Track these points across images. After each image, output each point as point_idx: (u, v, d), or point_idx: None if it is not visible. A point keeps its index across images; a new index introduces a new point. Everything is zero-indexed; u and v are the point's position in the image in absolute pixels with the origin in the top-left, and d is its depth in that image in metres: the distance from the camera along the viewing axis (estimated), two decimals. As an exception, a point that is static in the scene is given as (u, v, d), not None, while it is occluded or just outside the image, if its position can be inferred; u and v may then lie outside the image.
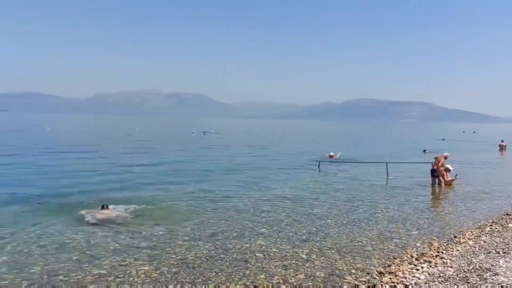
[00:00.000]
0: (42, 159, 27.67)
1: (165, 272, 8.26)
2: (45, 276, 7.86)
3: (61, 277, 7.86)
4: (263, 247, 10.02)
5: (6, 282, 7.57)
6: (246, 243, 10.27)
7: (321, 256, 9.42)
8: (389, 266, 8.78)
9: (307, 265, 8.85)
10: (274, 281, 7.89)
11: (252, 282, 7.85)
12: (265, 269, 8.52)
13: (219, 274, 8.22)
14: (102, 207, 12.93)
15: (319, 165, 26.02)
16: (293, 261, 9.04)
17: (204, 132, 76.89)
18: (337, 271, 8.53)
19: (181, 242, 10.25)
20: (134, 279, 7.85)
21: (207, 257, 9.17)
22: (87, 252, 9.37)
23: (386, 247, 10.21)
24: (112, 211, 12.85)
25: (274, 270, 8.50)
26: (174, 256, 9.22)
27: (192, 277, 8.03)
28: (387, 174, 22.53)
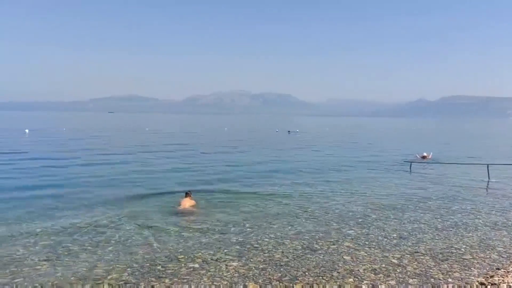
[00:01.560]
0: (148, 157, 30.08)
1: (253, 268, 8.49)
2: (147, 265, 8.55)
3: (159, 267, 8.48)
4: (351, 249, 9.81)
5: (113, 270, 8.36)
6: (333, 244, 10.14)
7: (414, 262, 8.96)
8: (492, 277, 8.06)
9: (398, 270, 8.48)
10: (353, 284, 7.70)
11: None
12: (353, 272, 8.35)
13: (306, 274, 8.23)
14: (186, 194, 14.14)
15: (410, 166, 24.68)
16: (383, 265, 8.72)
17: (289, 131, 77.25)
18: (432, 279, 8.05)
19: (268, 240, 10.45)
20: (223, 273, 8.19)
21: (294, 256, 9.23)
22: (181, 243, 9.99)
23: (488, 256, 9.39)
24: (195, 201, 14.08)
25: (363, 273, 8.28)
26: (261, 253, 9.43)
27: (279, 274, 8.15)
28: (488, 176, 20.61)
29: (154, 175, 21.12)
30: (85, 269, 8.32)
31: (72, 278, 7.84)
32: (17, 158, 27.17)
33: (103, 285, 7.54)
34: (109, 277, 7.90)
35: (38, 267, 8.39)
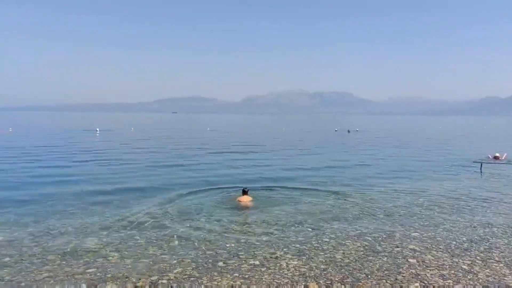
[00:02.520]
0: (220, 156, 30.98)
1: (314, 268, 8.41)
2: (210, 260, 8.77)
3: (220, 263, 8.66)
4: (417, 252, 9.41)
5: (178, 264, 8.67)
6: (397, 247, 9.77)
7: (486, 269, 8.40)
8: None
9: (469, 277, 8.00)
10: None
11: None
12: (419, 276, 7.99)
13: (369, 276, 8.01)
14: (243, 192, 14.45)
15: (481, 167, 23.19)
16: (452, 271, 8.26)
17: (348, 130, 75.65)
18: None
19: (328, 240, 10.31)
20: (284, 272, 8.19)
21: (356, 258, 9.02)
22: (242, 241, 10.14)
23: None
24: (252, 197, 14.48)
25: (430, 278, 7.90)
26: (322, 253, 9.32)
27: (341, 276, 8.00)
28: None
29: (214, 173, 21.62)
30: (151, 262, 8.69)
31: (142, 270, 8.24)
32: (89, 157, 29.04)
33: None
34: (174, 271, 8.19)
35: (110, 258, 8.91)
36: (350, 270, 8.31)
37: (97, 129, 66.62)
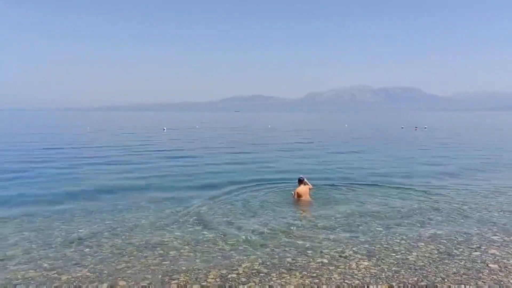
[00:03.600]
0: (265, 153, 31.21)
1: (385, 269, 8.14)
2: (277, 257, 8.83)
3: (288, 259, 8.68)
4: (497, 257, 8.79)
5: (246, 260, 8.81)
6: (476, 251, 9.18)
7: None
8: None
9: (561, 287, 7.31)
10: None
11: None
12: (502, 283, 7.45)
13: (446, 280, 7.60)
14: (299, 181, 14.29)
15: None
16: (541, 280, 7.60)
17: (416, 127, 72.31)
18: None
19: (399, 240, 9.94)
20: (354, 272, 8.02)
21: (430, 261, 8.60)
22: (308, 238, 10.08)
23: None
24: (308, 185, 14.47)
25: (516, 286, 7.33)
26: (393, 254, 9.00)
27: (415, 278, 7.68)
28: None
29: (277, 169, 21.65)
30: (220, 257, 8.91)
31: (212, 264, 8.48)
32: (156, 154, 30.42)
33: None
34: (243, 265, 8.35)
35: (182, 251, 9.27)
36: (424, 273, 7.95)
37: (164, 128, 69.61)
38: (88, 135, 52.89)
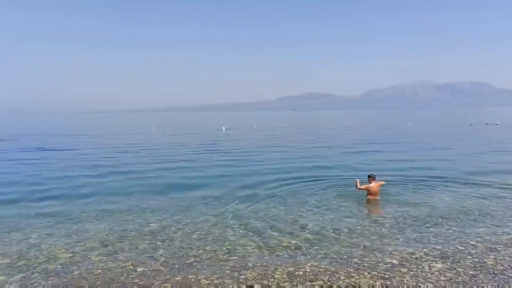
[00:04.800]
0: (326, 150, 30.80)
1: (461, 273, 7.72)
2: (344, 256, 8.69)
3: (356, 259, 8.50)
4: None
5: (312, 258, 8.75)
6: None
7: None
8: None
9: None
10: None
11: None
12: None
13: (530, 286, 7.06)
14: (369, 178, 13.87)
15: None
16: None
17: (486, 123, 67.80)
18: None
19: (474, 243, 9.39)
20: (427, 275, 7.68)
21: (511, 265, 8.03)
22: (375, 238, 9.83)
23: None
24: (380, 182, 14.02)
25: None
26: (469, 257, 8.51)
27: (495, 284, 7.20)
28: None
29: (342, 167, 21.27)
30: (286, 255, 8.92)
31: (278, 261, 8.52)
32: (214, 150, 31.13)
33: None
34: (309, 264, 8.30)
35: (247, 247, 9.38)
36: (505, 278, 7.44)
37: (223, 128, 71.04)
38: (153, 134, 55.31)
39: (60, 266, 8.41)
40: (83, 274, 8.01)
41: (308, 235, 10.16)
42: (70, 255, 9.05)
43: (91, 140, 46.74)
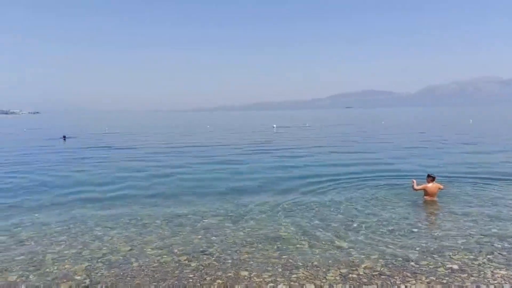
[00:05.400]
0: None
1: (529, 281, 7.22)
2: (399, 259, 8.41)
3: (412, 262, 8.20)
4: None
5: (366, 259, 8.56)
6: None
7: None
8: None
9: None
10: None
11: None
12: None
13: None
14: (429, 177, 13.28)
15: None
16: None
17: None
18: None
19: (545, 250, 8.72)
20: (490, 280, 7.26)
21: None
22: (434, 241, 9.44)
23: None
24: (439, 185, 13.43)
25: None
26: (538, 265, 7.93)
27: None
28: None
29: (400, 166, 20.59)
30: (339, 255, 8.79)
31: (330, 261, 8.42)
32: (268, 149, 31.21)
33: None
34: (363, 266, 8.13)
35: (299, 246, 9.37)
36: None
37: (274, 126, 71.13)
38: (209, 134, 56.62)
39: (121, 258, 8.87)
40: (142, 266, 8.38)
41: (362, 236, 9.95)
42: (129, 248, 9.50)
43: (153, 138, 48.68)
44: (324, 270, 8.01)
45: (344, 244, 9.41)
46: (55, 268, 8.34)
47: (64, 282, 7.70)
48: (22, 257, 9.00)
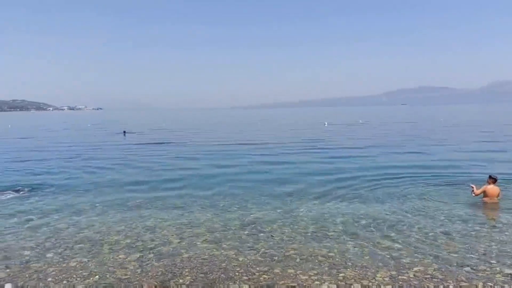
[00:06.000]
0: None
1: None
2: (454, 263, 8.02)
3: (468, 268, 7.80)
4: None
5: (419, 262, 8.25)
6: None
7: None
8: None
9: None
10: None
11: None
12: None
13: None
14: (491, 179, 12.55)
15: None
16: None
17: None
18: None
19: None
20: (556, 291, 6.73)
21: None
22: (491, 245, 8.93)
23: None
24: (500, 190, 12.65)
25: None
26: None
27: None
28: None
29: (457, 168, 19.58)
30: (388, 257, 8.52)
31: (380, 263, 8.20)
32: (319, 147, 30.84)
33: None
34: (414, 269, 7.83)
35: (347, 246, 9.20)
36: None
37: (325, 123, 70.21)
38: (258, 132, 57.03)
39: (171, 249, 9.19)
40: (191, 258, 8.63)
41: (414, 237, 9.59)
42: (179, 240, 9.82)
43: (205, 135, 49.90)
44: (373, 270, 7.81)
45: (395, 246, 9.11)
46: (111, 257, 8.79)
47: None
48: (81, 244, 9.58)
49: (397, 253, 8.66)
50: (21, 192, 15.13)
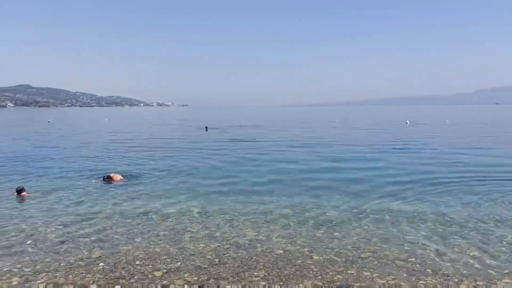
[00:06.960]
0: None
1: None
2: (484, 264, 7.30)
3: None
4: None
5: (508, 276, 7.63)
6: None
7: None
8: None
9: None
10: None
11: None
12: None
13: None
14: None
15: None
16: None
17: None
18: None
19: None
20: None
21: None
22: None
23: None
24: None
25: None
26: None
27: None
28: None
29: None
30: (475, 264, 8.01)
31: (464, 271, 7.71)
32: (399, 148, 29.44)
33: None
34: (503, 280, 7.28)
35: (428, 251, 8.78)
36: None
37: (407, 122, 66.77)
38: (335, 130, 56.06)
39: (247, 242, 9.46)
40: (265, 252, 8.82)
41: (505, 247, 8.86)
42: (256, 233, 10.07)
43: (282, 133, 50.27)
44: (455, 280, 7.38)
45: (483, 255, 8.51)
46: (192, 245, 9.29)
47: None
48: (165, 232, 10.24)
49: (485, 263, 8.09)
50: (119, 180, 16.57)
